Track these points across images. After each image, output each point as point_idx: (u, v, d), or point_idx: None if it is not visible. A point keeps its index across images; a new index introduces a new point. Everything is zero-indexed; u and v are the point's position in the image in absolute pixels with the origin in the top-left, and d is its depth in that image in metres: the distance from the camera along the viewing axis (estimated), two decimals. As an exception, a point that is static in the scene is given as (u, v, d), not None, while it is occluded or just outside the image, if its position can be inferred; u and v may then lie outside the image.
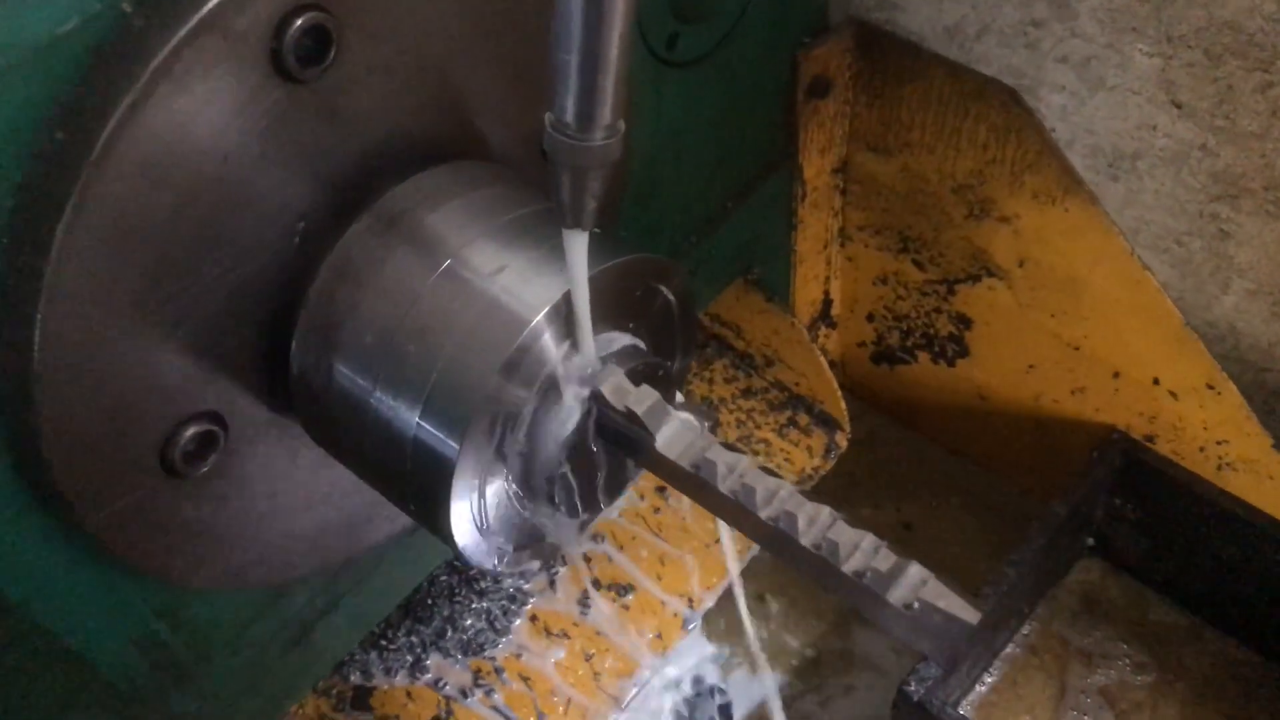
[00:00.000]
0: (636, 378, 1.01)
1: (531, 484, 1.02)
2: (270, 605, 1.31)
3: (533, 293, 0.95)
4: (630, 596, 1.76)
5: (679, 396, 1.08)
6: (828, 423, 1.92)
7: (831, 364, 1.94)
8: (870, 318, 1.98)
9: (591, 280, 0.94)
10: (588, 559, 1.78)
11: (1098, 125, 1.70)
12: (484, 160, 1.11)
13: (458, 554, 1.02)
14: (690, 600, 1.77)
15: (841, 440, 1.92)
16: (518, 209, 1.02)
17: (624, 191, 1.37)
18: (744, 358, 1.95)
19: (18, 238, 0.85)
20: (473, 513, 1.01)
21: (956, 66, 1.58)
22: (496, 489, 1.02)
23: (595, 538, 1.80)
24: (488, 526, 1.03)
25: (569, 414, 0.98)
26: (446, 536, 0.99)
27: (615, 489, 1.07)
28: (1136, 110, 1.65)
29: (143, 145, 0.87)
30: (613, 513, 1.81)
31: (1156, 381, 1.68)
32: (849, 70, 1.66)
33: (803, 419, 1.93)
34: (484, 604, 1.71)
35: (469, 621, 1.69)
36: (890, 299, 1.92)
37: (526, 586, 1.74)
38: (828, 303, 1.99)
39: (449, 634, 1.68)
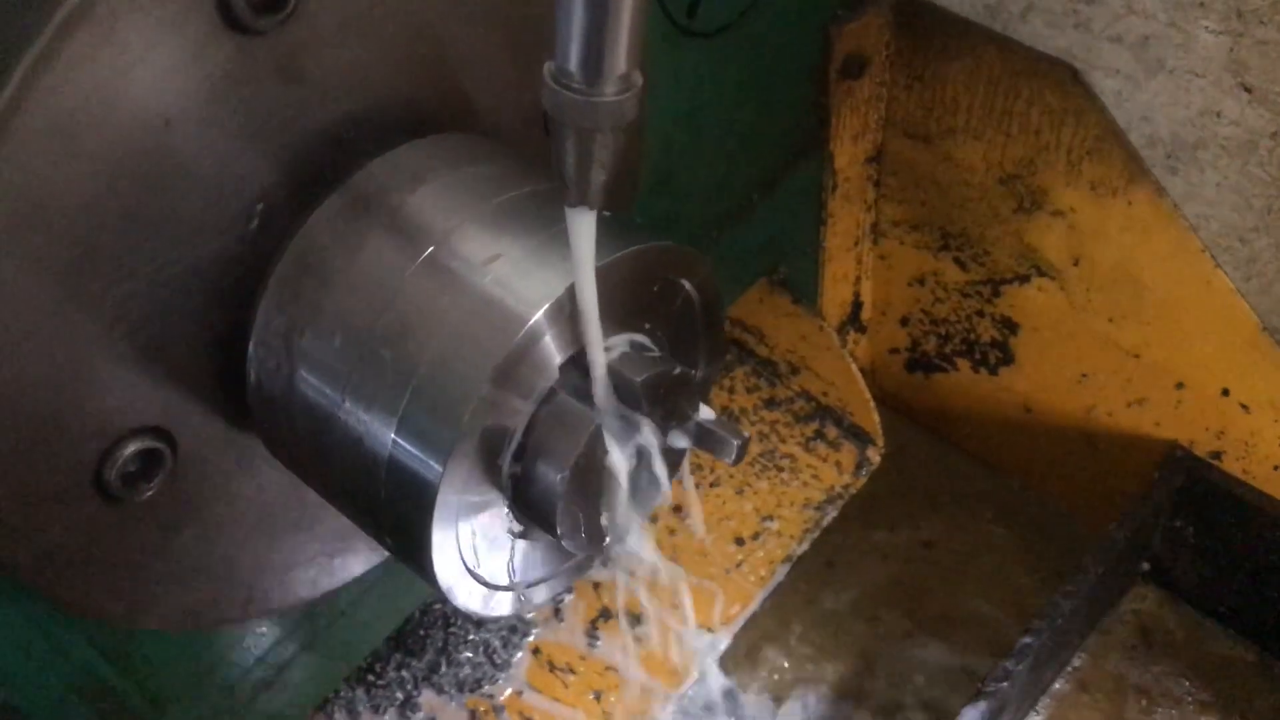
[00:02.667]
0: (656, 390, 0.85)
1: (528, 512, 0.86)
2: (237, 644, 1.16)
3: (531, 286, 0.80)
4: (643, 627, 1.61)
5: (706, 410, 0.93)
6: (859, 436, 1.76)
7: (861, 372, 1.79)
8: (904, 322, 1.82)
9: (601, 271, 0.79)
10: (595, 585, 1.63)
11: (1155, 112, 1.53)
12: (474, 134, 0.95)
13: (443, 596, 0.86)
14: (709, 630, 1.62)
15: (874, 455, 1.76)
16: (514, 189, 0.87)
17: (639, 172, 1.22)
18: (767, 365, 1.79)
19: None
20: (460, 547, 0.85)
21: (1008, 42, 1.42)
22: (489, 519, 0.87)
23: (604, 564, 1.64)
24: (479, 563, 0.87)
25: (574, 431, 0.82)
26: (429, 576, 0.84)
27: (630, 519, 0.92)
28: (1200, 95, 1.49)
29: (56, 106, 0.72)
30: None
31: (1226, 393, 1.52)
32: (886, 48, 1.50)
33: (831, 431, 1.77)
34: (482, 635, 1.55)
35: (465, 654, 1.54)
36: (927, 301, 1.76)
37: (529, 616, 1.59)
38: (858, 305, 1.83)
39: (443, 668, 1.52)
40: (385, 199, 0.86)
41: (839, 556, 1.80)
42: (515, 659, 1.56)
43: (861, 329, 1.88)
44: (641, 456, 0.89)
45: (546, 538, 0.91)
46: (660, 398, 0.86)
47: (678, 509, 1.70)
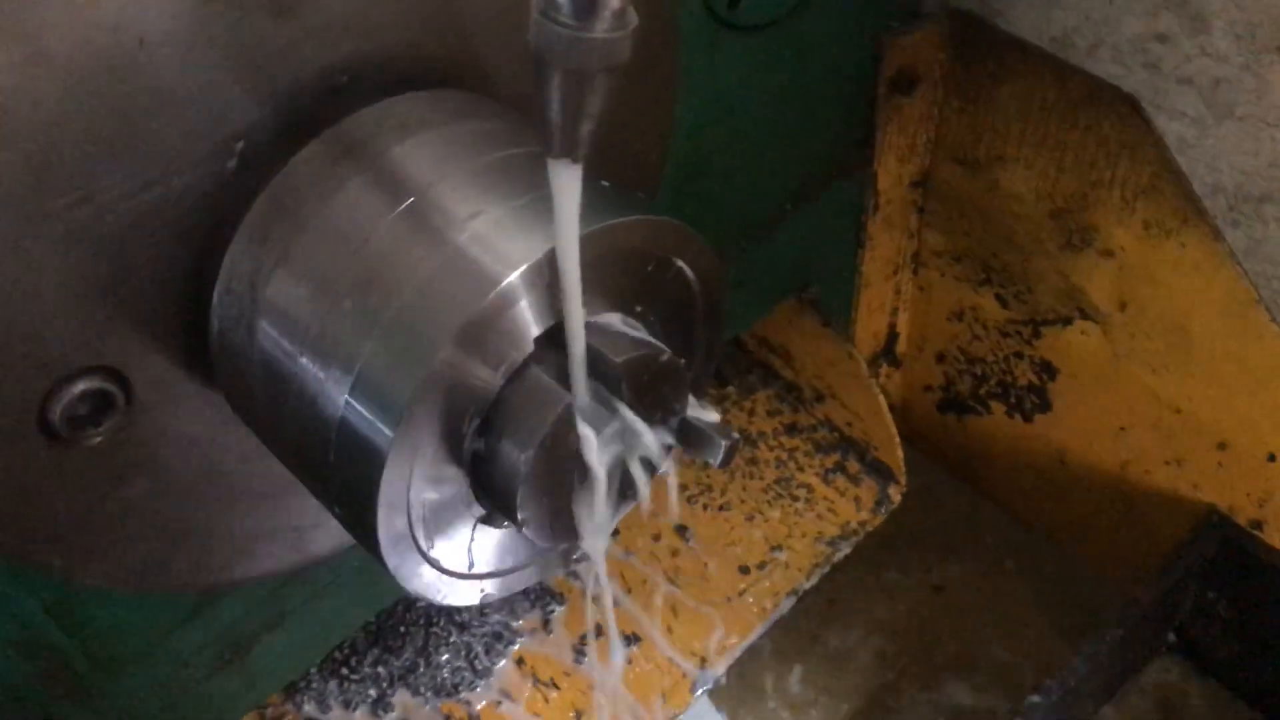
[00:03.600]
0: (639, 375, 0.79)
1: (489, 494, 0.80)
2: (195, 613, 1.10)
3: (509, 246, 0.74)
4: (635, 648, 1.54)
5: (697, 407, 0.86)
6: (881, 472, 1.68)
7: (891, 408, 1.71)
8: (940, 358, 1.74)
9: (587, 237, 0.73)
10: (594, 599, 1.55)
11: (1221, 160, 1.46)
12: (478, 94, 0.90)
13: (389, 573, 0.80)
14: (703, 660, 1.54)
15: (895, 494, 1.68)
16: (510, 148, 0.82)
17: (662, 167, 1.16)
18: (791, 389, 1.72)
19: None
20: (413, 525, 0.79)
21: (1067, 67, 1.35)
22: (449, 499, 0.81)
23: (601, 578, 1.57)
24: (433, 546, 0.81)
25: (543, 408, 0.76)
26: (374, 550, 0.78)
27: (603, 517, 0.85)
28: (1270, 145, 1.41)
29: (21, 8, 0.67)
30: (618, 550, 1.59)
31: (1272, 458, 1.42)
32: (940, 67, 1.44)
33: (853, 465, 1.69)
34: (464, 638, 1.49)
35: (445, 657, 1.48)
36: (965, 339, 1.68)
37: (516, 624, 1.52)
38: (893, 337, 1.76)
39: (421, 669, 1.46)
40: (371, 146, 0.81)
41: (843, 595, 1.72)
42: (498, 666, 1.49)
43: (895, 363, 1.81)
44: (619, 450, 0.82)
45: (511, 528, 0.85)
46: (644, 384, 0.80)
47: (682, 529, 1.63)
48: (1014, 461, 1.73)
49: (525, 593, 1.54)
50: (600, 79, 0.63)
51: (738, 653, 1.55)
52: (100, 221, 0.77)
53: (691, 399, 0.86)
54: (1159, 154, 1.32)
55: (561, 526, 0.83)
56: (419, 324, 0.73)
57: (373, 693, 1.44)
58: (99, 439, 0.85)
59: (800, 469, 1.68)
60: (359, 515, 0.77)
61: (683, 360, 0.82)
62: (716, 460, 0.85)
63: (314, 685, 1.44)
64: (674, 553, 1.61)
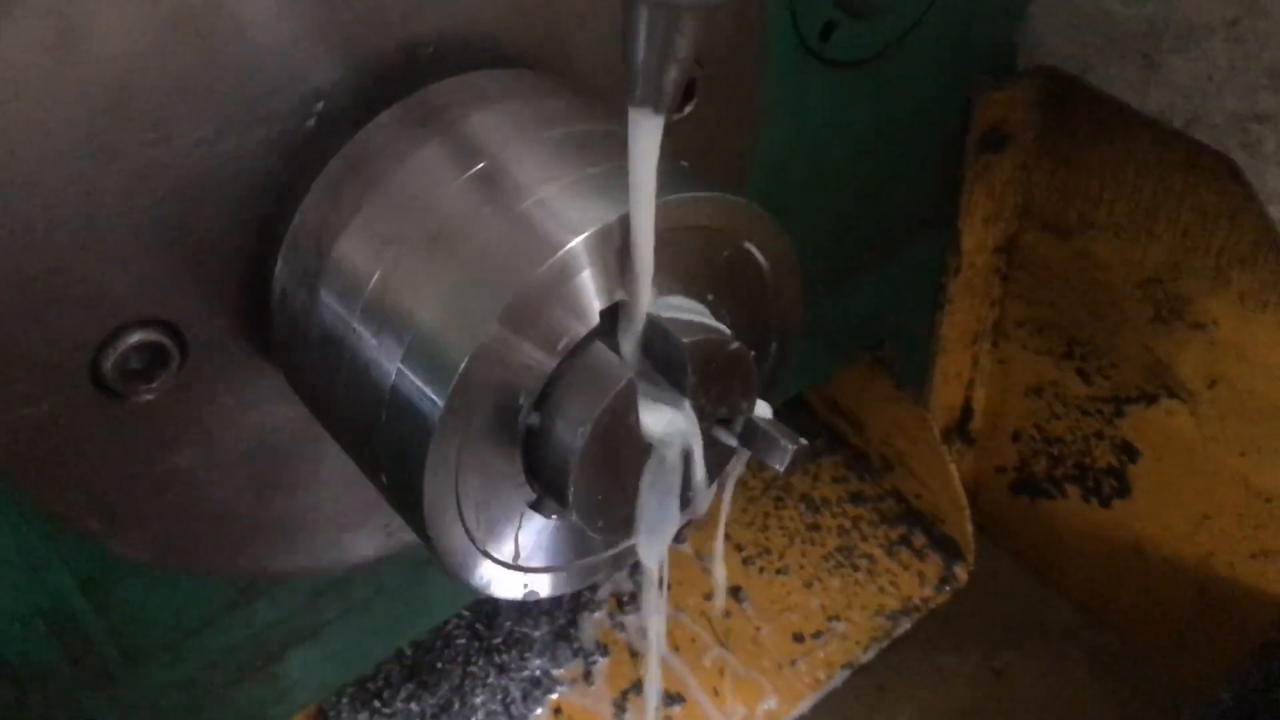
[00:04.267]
0: (706, 361, 0.75)
1: (542, 475, 0.76)
2: (229, 611, 1.07)
3: (578, 211, 0.71)
4: (678, 708, 1.47)
5: (763, 407, 0.82)
6: (948, 548, 1.61)
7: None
8: (1016, 437, 1.68)
9: (665, 208, 0.70)
10: (634, 654, 1.50)
11: (1321, 247, 1.40)
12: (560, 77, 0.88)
13: (434, 553, 0.77)
14: (749, 727, 1.47)
15: (961, 572, 1.61)
16: (590, 124, 0.80)
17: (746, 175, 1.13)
18: (860, 457, 1.67)
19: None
20: (460, 505, 0.76)
21: (1165, 130, 1.31)
22: (502, 481, 0.77)
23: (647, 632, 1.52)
24: (481, 530, 0.77)
25: (603, 384, 0.73)
26: (418, 523, 0.74)
27: (661, 516, 0.81)
28: (1372, 232, 1.36)
29: (114, -72, 0.67)
30: (668, 607, 1.53)
31: (1369, 555, 1.34)
32: (1032, 127, 1.41)
33: (919, 539, 1.63)
34: (502, 681, 1.44)
35: (480, 699, 1.42)
36: (1043, 416, 1.62)
37: (557, 672, 1.47)
38: (967, 412, 1.70)
39: (455, 708, 1.41)
40: (447, 113, 0.80)
41: (893, 675, 1.64)
42: (534, 714, 1.43)
43: (969, 440, 1.75)
44: (680, 438, 0.78)
45: (565, 519, 0.81)
46: (710, 373, 0.76)
47: (736, 590, 1.57)
48: (1088, 549, 1.65)
49: (569, 640, 1.49)
50: (688, 18, 0.60)
51: (788, 723, 1.48)
52: (174, 164, 0.76)
53: (760, 403, 0.83)
54: (1258, 222, 1.27)
55: (614, 519, 0.78)
56: (475, 289, 0.71)
57: (404, 729, 1.39)
58: (150, 396, 0.83)
59: (864, 539, 1.62)
60: (406, 483, 0.74)
61: (753, 353, 0.79)
62: (782, 465, 0.81)
63: (344, 715, 1.39)
64: (727, 614, 1.55)
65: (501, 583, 0.81)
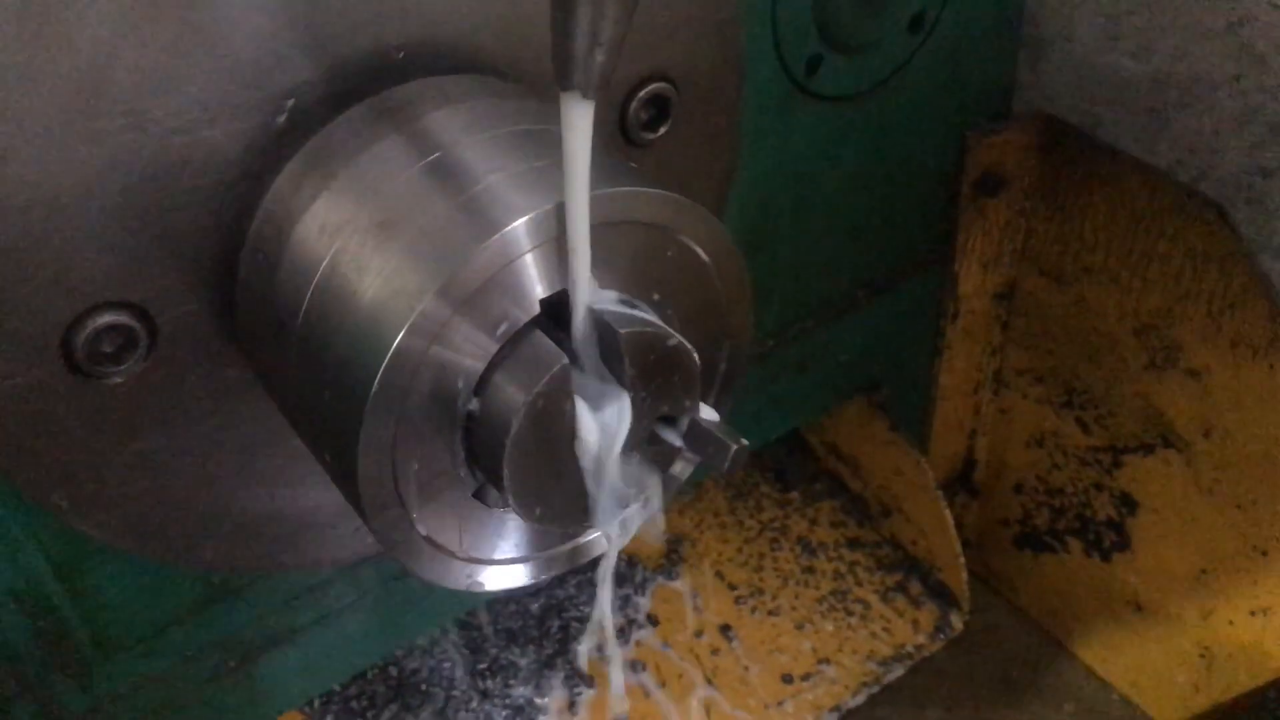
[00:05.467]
0: (645, 354, 0.77)
1: (480, 459, 0.78)
2: (203, 608, 1.09)
3: (520, 197, 0.74)
4: (662, 742, 1.46)
5: (708, 410, 0.83)
6: (944, 597, 1.60)
7: (966, 544, 1.64)
8: (1019, 489, 1.67)
9: (601, 200, 0.72)
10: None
11: (1330, 305, 1.40)
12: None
13: (373, 534, 0.78)
14: (732, 765, 1.46)
15: (957, 621, 1.59)
16: (543, 123, 0.82)
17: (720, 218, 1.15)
18: (858, 501, 1.66)
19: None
20: (399, 484, 0.77)
21: (1155, 173, 1.32)
22: (442, 464, 0.79)
23: (634, 666, 1.52)
24: (421, 511, 0.79)
25: (539, 366, 0.75)
26: (356, 502, 0.76)
27: (615, 503, 0.82)
28: (1379, 288, 1.35)
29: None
30: (656, 641, 1.53)
31: (1366, 610, 1.31)
32: (1029, 172, 1.42)
33: (914, 587, 1.61)
34: (486, 706, 1.44)
35: (463, 723, 1.43)
36: (1045, 467, 1.61)
37: (541, 701, 1.47)
38: (971, 463, 1.69)
39: (437, 732, 1.41)
40: (408, 110, 0.83)
41: None
42: (515, 742, 1.43)
43: (973, 492, 1.73)
44: (620, 431, 0.80)
45: (510, 513, 0.83)
46: (649, 367, 0.78)
47: (726, 628, 1.57)
48: (1090, 605, 1.63)
49: (555, 669, 1.49)
50: (613, 4, 0.63)
51: (770, 764, 1.47)
52: (147, 151, 0.80)
53: (705, 407, 0.84)
54: (1247, 266, 1.27)
55: (551, 508, 0.80)
56: (416, 266, 0.73)
57: (385, 751, 1.40)
58: (118, 379, 0.86)
59: (859, 583, 1.61)
60: (343, 460, 0.76)
61: (694, 351, 0.80)
62: (724, 466, 0.82)
63: (326, 732, 1.40)
64: (714, 651, 1.54)
65: (445, 572, 0.82)
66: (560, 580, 1.53)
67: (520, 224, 0.72)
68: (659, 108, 1.02)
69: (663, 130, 1.04)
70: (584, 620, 1.53)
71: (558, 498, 0.80)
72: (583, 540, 0.89)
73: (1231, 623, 1.45)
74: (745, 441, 0.82)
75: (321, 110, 0.85)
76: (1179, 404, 1.40)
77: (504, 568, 0.86)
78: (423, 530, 0.80)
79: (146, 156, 0.80)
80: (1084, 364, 1.49)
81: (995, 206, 1.43)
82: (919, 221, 1.41)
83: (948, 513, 1.53)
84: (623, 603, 1.54)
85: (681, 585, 1.59)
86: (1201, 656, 1.51)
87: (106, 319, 0.83)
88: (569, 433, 0.78)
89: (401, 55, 0.87)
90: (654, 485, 0.85)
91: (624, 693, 1.40)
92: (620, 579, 1.55)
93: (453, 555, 0.83)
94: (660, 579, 1.56)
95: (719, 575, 1.60)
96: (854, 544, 1.65)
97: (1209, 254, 1.29)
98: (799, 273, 1.33)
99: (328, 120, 0.85)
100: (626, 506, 0.85)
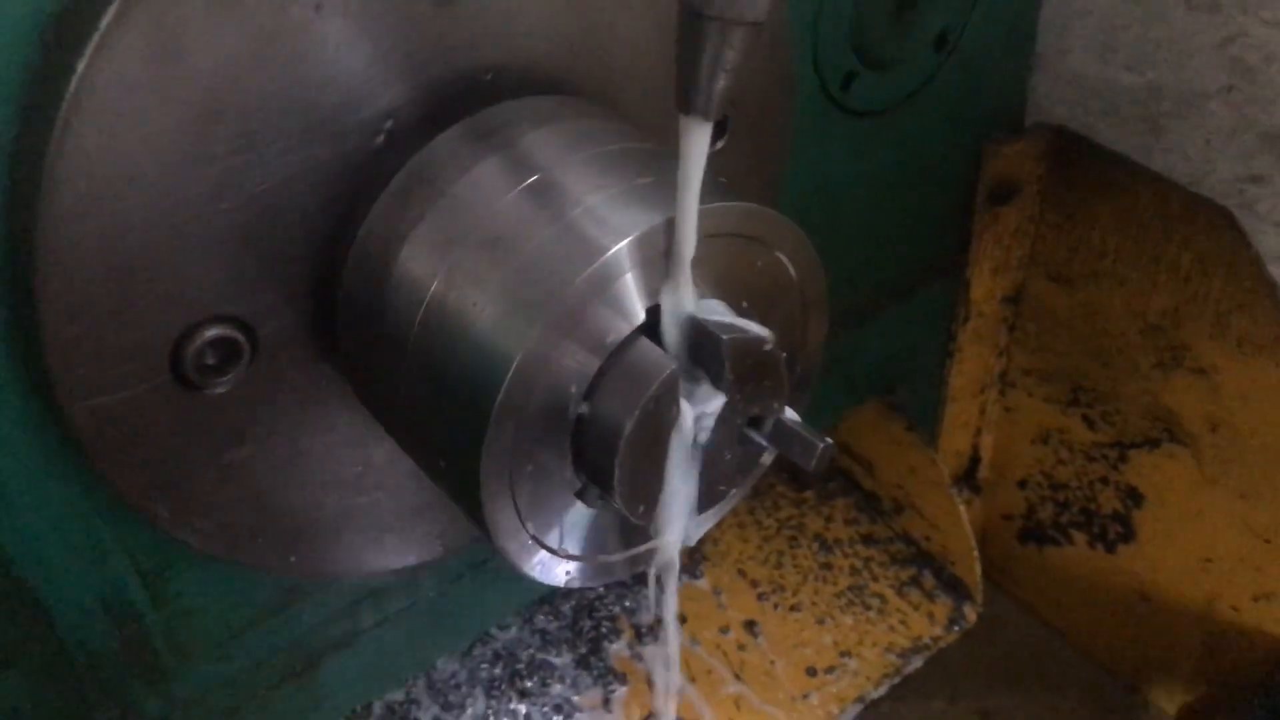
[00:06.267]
0: (742, 359, 0.82)
1: (588, 462, 0.82)
2: (274, 613, 1.12)
3: (623, 217, 0.78)
4: (694, 736, 1.51)
5: (791, 411, 0.88)
6: (957, 590, 1.66)
7: (969, 537, 1.70)
8: (1023, 484, 1.73)
9: (708, 214, 0.77)
10: (651, 684, 1.54)
11: (1316, 304, 1.47)
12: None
13: (487, 535, 0.82)
14: (763, 757, 1.51)
15: (970, 613, 1.65)
16: (632, 142, 0.87)
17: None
18: (870, 499, 1.72)
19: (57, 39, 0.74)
20: (513, 487, 0.81)
21: (1164, 182, 1.39)
22: (550, 471, 0.83)
23: (666, 664, 1.56)
24: (528, 511, 0.83)
25: (649, 374, 0.79)
26: (476, 509, 0.80)
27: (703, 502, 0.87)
28: (1365, 289, 1.42)
29: (219, -49, 0.75)
30: (685, 639, 1.57)
31: (1367, 593, 1.39)
32: (1039, 180, 1.49)
33: (928, 581, 1.67)
34: (524, 706, 1.48)
35: (505, 722, 1.46)
36: (1049, 463, 1.68)
37: (577, 699, 1.51)
38: (975, 460, 1.75)
39: (479, 731, 1.45)
40: (506, 131, 0.87)
41: None
42: (554, 740, 1.47)
43: (976, 488, 1.80)
44: (714, 438, 0.84)
45: (606, 509, 0.87)
46: (745, 371, 0.82)
47: (752, 624, 1.61)
48: (1095, 596, 1.70)
49: (589, 668, 1.53)
50: (737, 33, 0.68)
51: (801, 755, 1.52)
52: (256, 172, 0.83)
53: (788, 408, 0.89)
54: (1255, 269, 1.34)
55: (654, 506, 0.84)
56: (530, 289, 0.77)
57: (428, 751, 1.43)
58: (221, 389, 0.89)
59: (875, 578, 1.67)
60: (464, 463, 0.79)
61: (784, 356, 0.85)
62: (810, 463, 0.86)
63: (370, 738, 1.43)
64: (741, 647, 1.59)
65: (546, 567, 0.86)
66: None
67: (624, 245, 0.76)
68: (718, 125, 1.07)
69: (720, 145, 1.08)
70: (614, 619, 1.58)
71: (658, 496, 0.84)
72: (655, 542, 0.94)
73: (1235, 609, 1.53)
74: (829, 441, 0.87)
75: (418, 131, 0.88)
76: (1186, 401, 1.47)
77: (596, 564, 0.90)
78: (530, 529, 0.84)
79: (255, 178, 0.84)
80: (1091, 364, 1.56)
81: (1007, 214, 1.50)
82: (937, 230, 1.47)
83: (961, 508, 1.59)
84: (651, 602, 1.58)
85: (705, 584, 1.64)
86: (1204, 643, 1.58)
87: (213, 332, 0.87)
88: (670, 435, 0.82)
89: (490, 77, 0.91)
90: (742, 482, 0.90)
91: (678, 689, 1.44)
92: (647, 578, 1.59)
93: (554, 553, 0.87)
94: (685, 578, 1.61)
95: (741, 573, 1.65)
96: (869, 540, 1.70)
97: (1217, 257, 1.36)
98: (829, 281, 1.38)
99: (422, 141, 0.88)
100: (717, 502, 0.89)
